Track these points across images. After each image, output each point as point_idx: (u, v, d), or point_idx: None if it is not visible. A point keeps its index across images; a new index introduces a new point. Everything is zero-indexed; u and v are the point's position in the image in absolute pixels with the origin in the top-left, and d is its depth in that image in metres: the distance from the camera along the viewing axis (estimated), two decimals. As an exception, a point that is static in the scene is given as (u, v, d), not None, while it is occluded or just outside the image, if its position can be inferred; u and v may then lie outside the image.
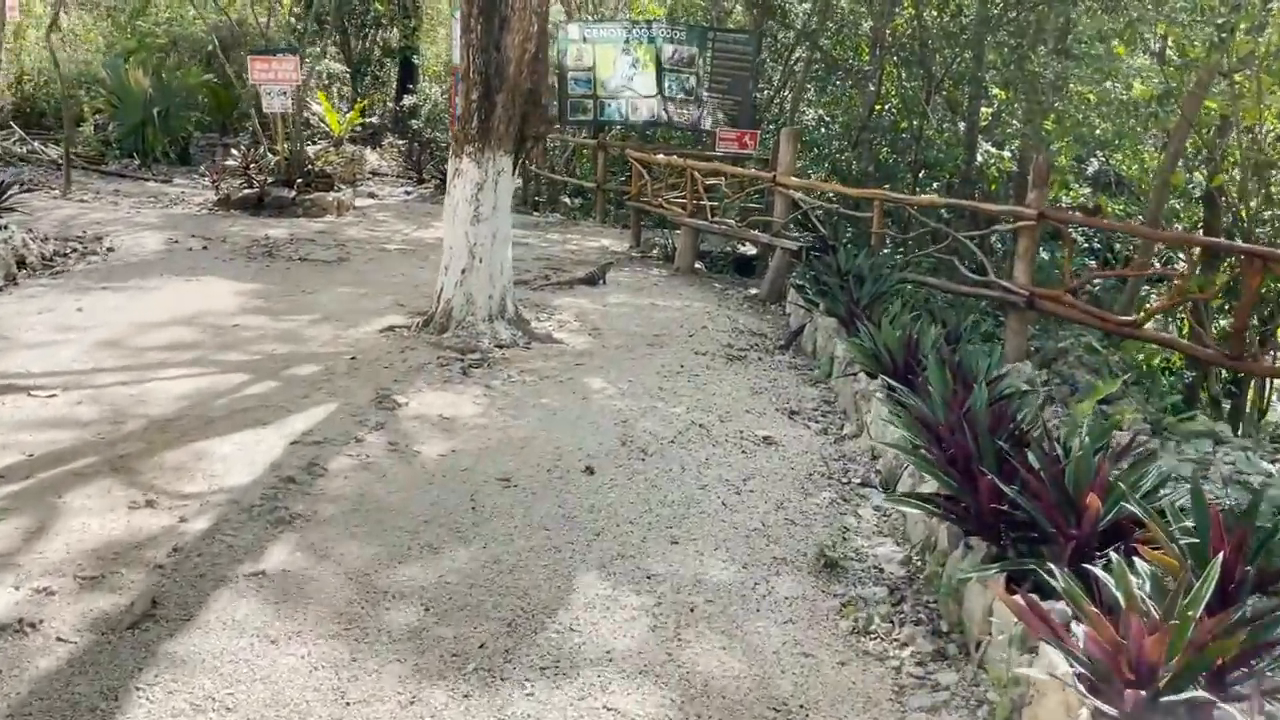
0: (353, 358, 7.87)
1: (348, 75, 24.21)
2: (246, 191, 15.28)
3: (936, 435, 5.22)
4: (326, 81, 22.46)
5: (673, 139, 19.66)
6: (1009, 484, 4.39)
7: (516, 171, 9.21)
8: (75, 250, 11.49)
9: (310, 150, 18.19)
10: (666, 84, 17.74)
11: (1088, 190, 21.10)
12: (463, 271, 8.85)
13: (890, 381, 6.43)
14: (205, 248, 12.18)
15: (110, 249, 11.82)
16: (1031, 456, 4.53)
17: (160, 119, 18.41)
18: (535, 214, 19.22)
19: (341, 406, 6.68)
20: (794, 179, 12.29)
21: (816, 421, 7.25)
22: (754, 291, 12.28)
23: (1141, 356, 8.98)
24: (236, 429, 6.08)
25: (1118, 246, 15.57)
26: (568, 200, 21.00)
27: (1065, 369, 9.16)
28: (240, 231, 13.33)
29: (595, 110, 17.74)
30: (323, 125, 19.10)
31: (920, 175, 13.88)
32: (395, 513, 5.12)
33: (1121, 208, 18.41)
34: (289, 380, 7.20)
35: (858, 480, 6.10)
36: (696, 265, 13.61)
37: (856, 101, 15.43)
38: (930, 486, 5.03)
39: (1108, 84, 12.46)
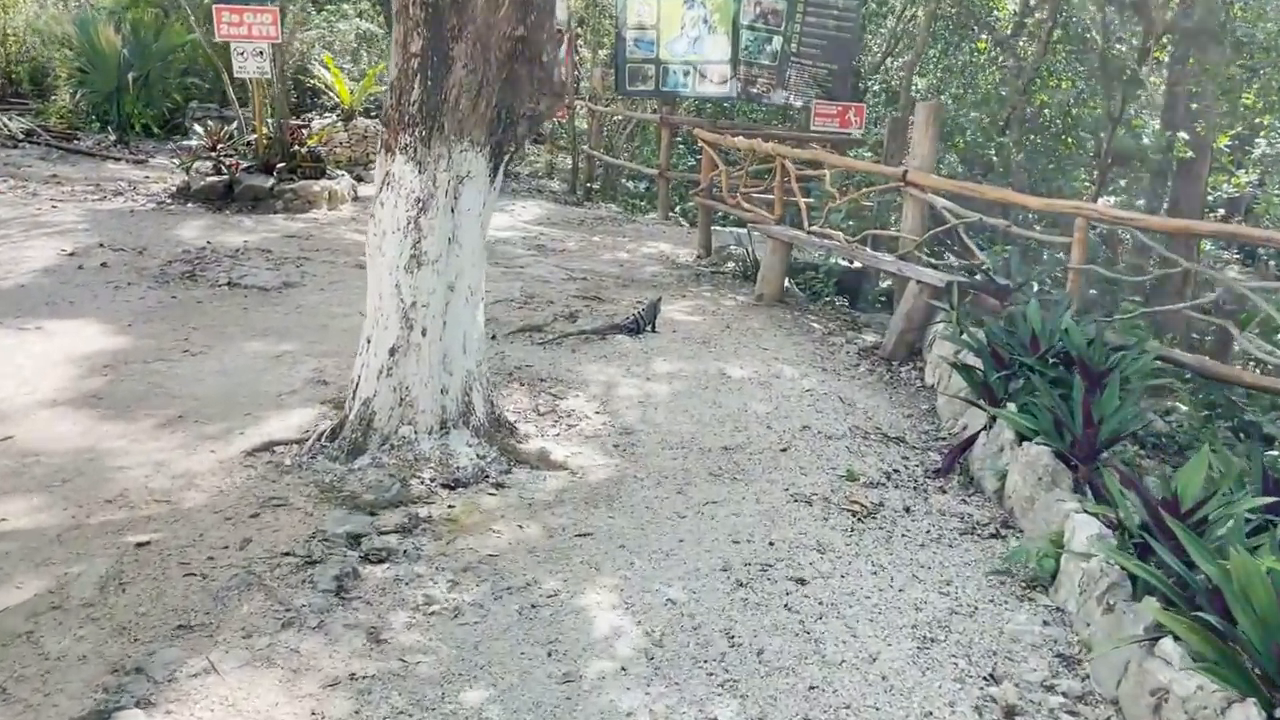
0: (142, 543, 3.96)
1: (385, 37, 20.30)
2: (211, 180, 11.49)
3: None
4: (355, 43, 18.62)
5: (756, 116, 15.45)
6: None
7: (499, 177, 5.21)
8: (-93, 271, 7.81)
9: (316, 125, 14.40)
10: (744, 46, 13.52)
11: (1254, 177, 16.52)
12: (392, 352, 4.89)
13: None
14: (105, 265, 8.39)
15: (-33, 267, 8.12)
16: None
17: (139, 86, 14.72)
18: (586, 205, 15.20)
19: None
20: (935, 178, 8.10)
21: (1066, 741, 3.19)
22: (869, 339, 8.17)
23: None
24: None
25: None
26: (630, 185, 16.94)
27: None
28: (176, 237, 9.55)
29: (657, 78, 13.58)
30: (332, 95, 15.26)
31: (1109, 171, 9.52)
32: None
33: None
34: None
35: None
36: (785, 284, 9.49)
37: (998, 71, 11.06)
38: None
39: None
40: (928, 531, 4.67)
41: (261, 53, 11.43)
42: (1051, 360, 5.54)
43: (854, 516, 4.75)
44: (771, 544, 4.36)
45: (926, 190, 7.99)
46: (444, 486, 4.70)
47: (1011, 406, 5.23)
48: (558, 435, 5.51)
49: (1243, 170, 15.96)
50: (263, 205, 11.42)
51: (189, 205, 11.17)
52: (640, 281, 9.72)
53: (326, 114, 15.59)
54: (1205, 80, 10.25)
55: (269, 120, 12.14)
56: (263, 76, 11.63)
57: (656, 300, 7.65)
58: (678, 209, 14.52)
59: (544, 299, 8.52)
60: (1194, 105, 11.03)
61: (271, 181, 11.58)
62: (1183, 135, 11.70)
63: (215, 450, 4.90)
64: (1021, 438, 5.08)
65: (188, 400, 5.55)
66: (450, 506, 4.51)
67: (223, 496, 4.39)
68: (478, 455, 4.98)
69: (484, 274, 5.23)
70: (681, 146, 15.57)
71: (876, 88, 14.06)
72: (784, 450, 5.47)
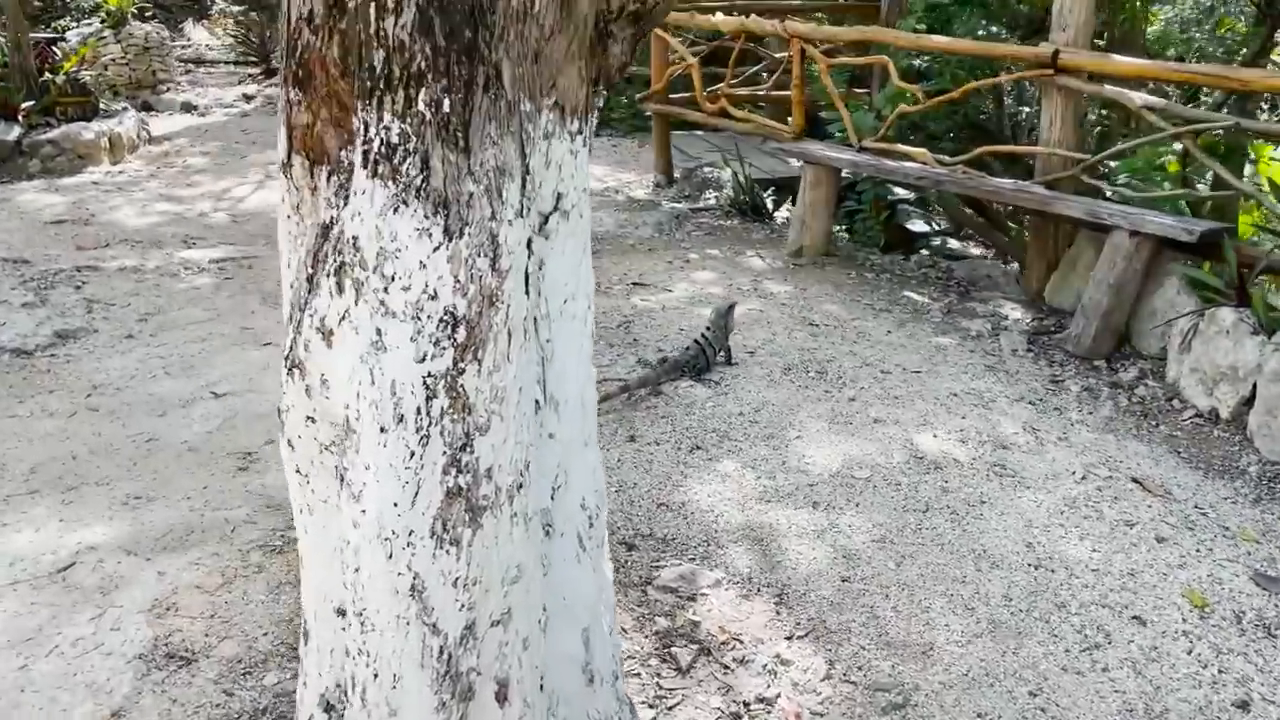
0: None
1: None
2: (-83, 137, 7.38)
3: None
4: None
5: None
6: None
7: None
8: None
9: (73, 38, 10.10)
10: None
11: None
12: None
13: None
14: None
15: None
16: None
17: None
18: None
19: None
20: (1116, 58, 5.11)
21: None
22: (1015, 315, 5.23)
23: None
24: None
25: None
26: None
27: None
28: None
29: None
30: (91, -7, 10.86)
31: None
32: None
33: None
34: None
35: None
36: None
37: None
38: None
39: None
40: None
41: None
42: None
43: None
44: None
45: (1095, 79, 4.98)
46: None
47: None
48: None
49: None
50: (7, 170, 7.44)
51: (-115, 183, 7.07)
52: (612, 240, 6.46)
53: (88, 20, 11.17)
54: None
55: (-2, 39, 7.97)
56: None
57: (727, 310, 4.39)
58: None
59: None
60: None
61: (17, 132, 7.58)
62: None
63: None
64: None
65: None
66: None
67: None
68: None
69: (599, 450, 1.93)
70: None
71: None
72: None
